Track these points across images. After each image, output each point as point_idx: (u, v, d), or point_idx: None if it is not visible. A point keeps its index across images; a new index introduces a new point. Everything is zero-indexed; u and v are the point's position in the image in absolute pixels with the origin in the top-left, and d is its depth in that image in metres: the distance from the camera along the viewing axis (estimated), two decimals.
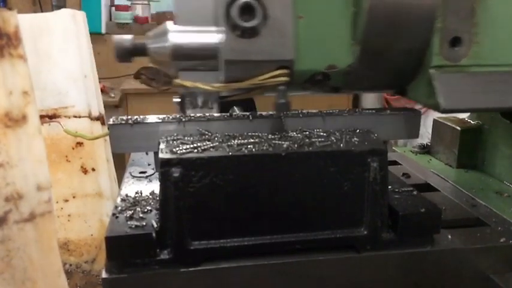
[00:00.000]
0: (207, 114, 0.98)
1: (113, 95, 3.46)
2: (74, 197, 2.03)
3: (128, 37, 0.85)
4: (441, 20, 0.84)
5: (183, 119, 0.95)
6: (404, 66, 0.90)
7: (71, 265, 2.06)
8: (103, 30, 3.99)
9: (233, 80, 0.83)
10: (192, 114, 0.92)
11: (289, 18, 0.80)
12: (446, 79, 0.86)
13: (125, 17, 4.09)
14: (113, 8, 4.22)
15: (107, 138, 0.97)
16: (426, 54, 0.87)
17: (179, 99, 0.90)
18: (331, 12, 0.83)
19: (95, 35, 3.58)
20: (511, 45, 0.88)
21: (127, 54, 0.85)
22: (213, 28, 0.81)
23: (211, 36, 0.81)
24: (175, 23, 0.83)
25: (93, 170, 2.03)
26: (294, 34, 0.80)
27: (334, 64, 0.85)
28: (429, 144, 1.45)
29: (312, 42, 0.83)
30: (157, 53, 0.83)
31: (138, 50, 0.85)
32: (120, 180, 2.09)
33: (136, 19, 4.11)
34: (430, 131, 1.45)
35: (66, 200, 2.02)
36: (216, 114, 0.98)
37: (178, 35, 0.81)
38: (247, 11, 0.77)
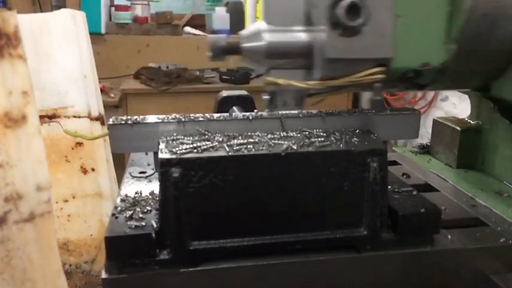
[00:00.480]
0: (207, 115, 0.98)
1: (112, 95, 3.46)
2: (73, 197, 2.03)
3: (222, 36, 0.88)
4: None
5: (183, 119, 0.95)
6: (496, 64, 0.92)
7: (70, 265, 2.06)
8: (103, 31, 3.99)
9: (329, 77, 0.86)
10: (280, 111, 0.95)
11: (389, 18, 0.82)
12: None
13: (125, 17, 4.09)
14: (113, 8, 4.22)
15: (107, 138, 0.98)
16: None
17: (269, 97, 0.92)
18: (428, 12, 0.85)
19: (95, 35, 3.58)
20: None
21: (222, 52, 0.89)
22: (305, 27, 0.84)
23: (303, 35, 0.84)
24: (267, 23, 0.85)
25: (93, 170, 2.03)
26: (392, 33, 0.83)
27: (428, 62, 0.87)
28: (429, 144, 1.45)
29: (409, 41, 0.85)
30: (252, 52, 0.86)
31: (233, 49, 0.88)
32: (119, 180, 2.09)
33: (135, 19, 4.11)
34: (430, 131, 1.45)
35: (66, 200, 2.02)
36: (215, 115, 0.98)
37: (273, 34, 0.84)
38: (352, 10, 0.79)
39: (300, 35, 0.84)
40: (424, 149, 1.44)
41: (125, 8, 4.14)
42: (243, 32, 0.88)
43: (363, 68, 0.84)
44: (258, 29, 0.85)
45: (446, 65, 0.88)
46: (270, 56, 0.84)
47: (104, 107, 2.19)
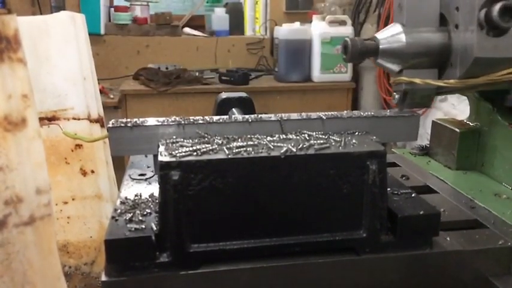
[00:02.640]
0: (207, 117, 0.98)
1: (112, 96, 3.46)
2: (73, 199, 2.02)
3: (359, 39, 0.93)
4: None
5: (182, 122, 0.95)
6: None
7: (70, 267, 2.06)
8: (102, 31, 3.99)
9: (469, 76, 0.89)
10: (406, 109, 1.01)
11: None
12: None
13: (124, 18, 4.08)
14: (112, 9, 4.22)
15: (106, 140, 0.98)
16: None
17: (400, 96, 0.96)
18: None
19: (94, 36, 3.58)
20: None
21: (359, 54, 0.93)
22: (439, 28, 0.90)
23: (439, 35, 0.89)
24: (403, 25, 0.90)
25: (93, 172, 2.03)
26: None
27: None
28: (428, 146, 1.45)
29: None
30: (389, 53, 0.91)
31: (370, 51, 0.93)
32: (119, 182, 2.08)
33: (135, 20, 4.11)
34: (429, 131, 1.45)
35: (66, 202, 2.02)
36: (215, 117, 0.99)
37: (410, 35, 0.89)
38: (505, 12, 0.82)
39: (435, 36, 0.90)
40: (423, 151, 1.44)
41: (124, 9, 4.14)
42: (379, 34, 0.94)
43: (504, 67, 0.88)
44: (396, 31, 0.91)
45: None
46: (407, 56, 0.90)
47: (103, 107, 2.19)
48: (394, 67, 0.94)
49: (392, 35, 0.92)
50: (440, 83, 0.91)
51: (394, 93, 0.98)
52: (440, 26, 0.91)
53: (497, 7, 0.82)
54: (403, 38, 0.90)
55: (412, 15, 0.91)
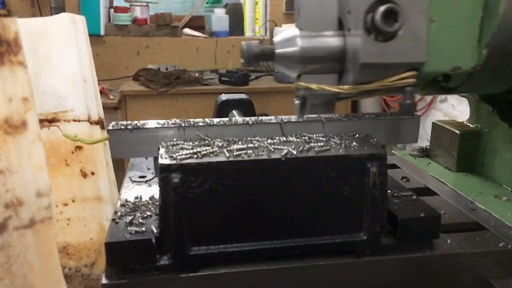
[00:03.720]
0: (207, 120, 0.98)
1: (111, 97, 3.46)
2: (73, 201, 2.02)
3: (255, 43, 0.89)
4: None
5: (183, 124, 0.95)
6: None
7: (70, 269, 2.05)
8: (102, 32, 3.99)
9: (362, 81, 0.87)
10: (307, 115, 0.97)
11: (424, 23, 0.83)
12: None
13: (124, 18, 4.09)
14: (112, 10, 4.22)
15: (107, 141, 0.97)
16: None
17: (299, 101, 0.93)
18: (461, 17, 0.86)
19: (94, 37, 3.58)
20: None
21: (255, 58, 0.89)
22: (337, 32, 0.86)
23: (336, 40, 0.85)
24: (300, 29, 0.87)
25: (93, 173, 2.03)
26: (426, 38, 0.84)
27: (459, 66, 0.88)
28: (428, 147, 1.45)
29: (441, 45, 0.86)
30: (285, 57, 0.87)
31: (266, 55, 0.89)
32: (119, 183, 2.08)
33: (135, 21, 4.11)
34: (429, 132, 1.45)
35: (66, 204, 2.02)
36: (215, 120, 0.98)
37: (306, 39, 0.85)
38: (389, 15, 0.79)
39: (332, 40, 0.86)
40: (424, 152, 1.44)
41: (124, 10, 4.14)
42: (276, 38, 0.90)
43: (395, 73, 0.86)
44: (291, 34, 0.87)
45: (476, 69, 0.89)
46: (303, 61, 0.86)
47: (103, 108, 2.19)
48: (291, 72, 0.90)
49: (287, 39, 0.87)
50: (335, 89, 0.86)
51: (295, 99, 0.94)
52: (339, 30, 0.87)
53: (380, 11, 0.78)
54: (298, 42, 0.85)
55: (309, 19, 0.86)
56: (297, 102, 0.93)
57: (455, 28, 0.86)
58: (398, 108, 0.89)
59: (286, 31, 0.89)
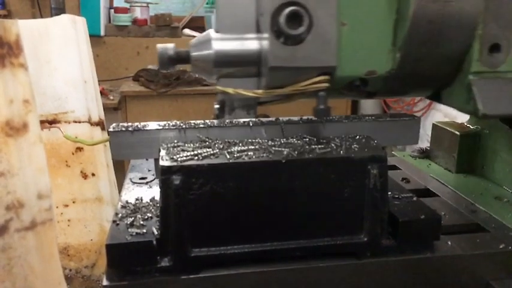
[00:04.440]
0: (208, 121, 0.98)
1: (111, 98, 3.46)
2: (73, 202, 2.03)
3: (170, 45, 0.87)
4: (482, 27, 0.85)
5: (183, 126, 0.95)
6: (443, 72, 0.91)
7: (70, 270, 2.06)
8: (102, 33, 3.99)
9: (275, 86, 0.85)
10: (230, 120, 0.96)
11: (334, 26, 0.81)
12: (485, 85, 0.87)
13: (124, 19, 4.09)
14: (112, 11, 4.22)
15: (107, 143, 0.97)
16: (465, 60, 0.88)
17: (218, 106, 0.92)
18: (374, 20, 0.85)
19: (94, 38, 3.58)
20: None
21: (170, 62, 0.86)
22: (255, 35, 0.83)
23: (252, 43, 0.83)
24: (217, 31, 0.85)
25: (93, 175, 2.03)
26: (337, 41, 0.82)
27: (374, 70, 0.87)
28: (428, 148, 1.45)
29: (354, 49, 0.85)
30: (200, 60, 0.85)
31: (182, 58, 0.86)
32: (119, 184, 2.07)
33: (135, 21, 4.11)
34: (429, 133, 1.45)
35: (66, 205, 2.02)
36: (216, 121, 0.98)
37: (221, 42, 0.83)
38: (294, 18, 0.78)
39: (249, 43, 0.83)
40: (424, 154, 1.44)
41: (124, 10, 4.14)
42: (192, 41, 0.87)
43: (307, 77, 0.83)
44: (208, 37, 0.84)
45: (392, 73, 0.87)
46: (218, 64, 0.83)
47: (103, 109, 2.19)
48: (208, 76, 0.88)
49: (203, 42, 0.85)
50: (250, 94, 0.84)
51: (214, 103, 0.93)
52: (258, 33, 0.84)
53: (284, 14, 0.77)
54: (213, 45, 0.82)
55: (227, 21, 0.84)
56: (216, 106, 0.92)
57: (368, 31, 0.85)
58: (312, 113, 0.88)
59: (204, 33, 0.86)
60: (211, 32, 0.85)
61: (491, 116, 0.87)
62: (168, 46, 0.86)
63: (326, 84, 0.84)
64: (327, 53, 0.82)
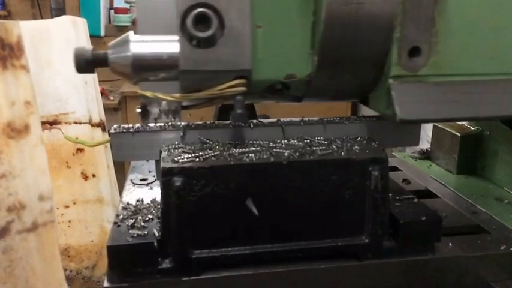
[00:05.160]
0: (207, 122, 0.98)
1: (112, 98, 3.46)
2: (74, 203, 2.03)
3: (88, 48, 0.84)
4: (399, 30, 0.82)
5: (184, 128, 0.95)
6: (365, 76, 0.88)
7: (71, 271, 2.06)
8: (102, 33, 3.99)
9: (192, 90, 0.83)
10: (155, 124, 0.92)
11: (247, 28, 0.79)
12: (405, 89, 0.84)
13: (124, 19, 4.09)
14: (112, 11, 4.22)
15: (108, 144, 0.97)
16: (386, 63, 0.85)
17: (141, 110, 0.90)
18: (290, 22, 0.82)
19: (94, 38, 3.58)
20: (470, 54, 0.86)
21: (88, 65, 0.83)
22: (175, 37, 0.80)
23: (171, 45, 0.80)
24: (136, 33, 0.82)
25: (94, 176, 2.03)
26: (252, 44, 0.80)
27: (293, 74, 0.84)
28: (429, 149, 1.45)
29: (271, 52, 0.82)
30: (118, 64, 0.82)
31: (100, 61, 0.83)
32: (119, 185, 2.07)
33: (135, 22, 4.12)
34: (429, 133, 1.45)
35: (67, 206, 2.02)
36: (217, 122, 0.98)
37: (139, 44, 0.80)
38: (202, 20, 0.76)
39: (168, 46, 0.80)
40: (424, 155, 1.45)
41: (124, 11, 4.15)
42: (111, 42, 0.84)
43: (223, 80, 0.81)
44: (126, 39, 0.82)
45: (312, 76, 0.85)
46: (136, 68, 0.81)
47: (103, 109, 2.19)
48: (127, 79, 0.85)
49: (121, 44, 0.82)
50: (168, 97, 0.82)
51: (137, 107, 0.90)
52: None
53: (191, 15, 0.75)
54: (130, 48, 0.80)
55: (146, 23, 0.82)
56: (138, 110, 0.89)
57: (285, 34, 0.82)
58: (230, 118, 0.86)
59: (123, 35, 0.84)
60: (130, 34, 0.82)
61: (410, 122, 0.84)
62: (85, 48, 0.84)
63: (243, 88, 0.82)
64: (241, 56, 0.79)
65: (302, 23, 0.82)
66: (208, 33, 0.76)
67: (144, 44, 0.81)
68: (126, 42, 0.81)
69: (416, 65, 0.85)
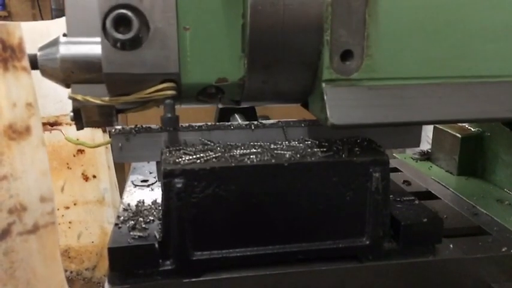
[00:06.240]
0: (209, 123, 0.98)
1: None
2: (75, 204, 2.03)
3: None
4: (330, 33, 0.79)
5: (185, 129, 0.95)
6: (301, 79, 0.86)
7: (71, 272, 2.06)
8: None
9: (118, 93, 0.81)
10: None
11: (174, 30, 0.77)
12: (337, 93, 0.82)
13: None
14: None
15: (108, 145, 0.97)
16: (319, 67, 0.83)
17: (72, 114, 0.88)
18: (220, 24, 0.80)
19: None
20: (404, 58, 0.83)
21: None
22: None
23: (98, 47, 0.78)
24: (66, 34, 0.81)
25: (94, 177, 2.03)
26: (179, 46, 0.78)
27: (225, 77, 0.82)
28: (429, 151, 1.45)
29: (200, 55, 0.80)
30: (47, 66, 0.80)
31: (30, 63, 0.82)
32: (120, 186, 2.07)
33: None
34: (429, 134, 1.45)
35: (67, 207, 2.02)
36: (218, 124, 0.99)
37: (68, 46, 0.79)
38: (123, 22, 0.74)
39: (98, 48, 0.77)
40: (425, 156, 1.45)
41: None
42: (41, 45, 0.83)
43: (151, 84, 0.80)
44: (55, 40, 0.80)
45: (245, 80, 0.83)
46: (64, 70, 0.79)
47: None
48: (57, 82, 0.83)
49: (50, 46, 0.80)
50: (97, 101, 0.80)
51: (70, 112, 0.89)
52: None
53: (110, 17, 0.73)
54: (59, 49, 0.78)
55: (76, 25, 0.80)
56: (71, 114, 0.88)
57: (214, 36, 0.80)
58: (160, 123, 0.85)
59: (52, 39, 0.82)
60: (60, 36, 0.81)
61: (341, 126, 0.81)
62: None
63: (172, 92, 0.81)
64: (167, 59, 0.78)
65: (231, 25, 0.80)
66: (129, 35, 0.74)
67: (73, 46, 0.79)
68: (55, 43, 0.80)
69: (348, 68, 0.82)
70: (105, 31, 0.75)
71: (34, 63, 0.82)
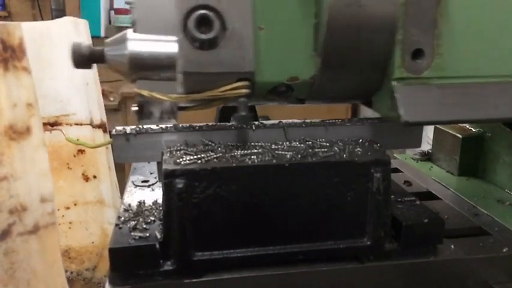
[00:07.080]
0: (210, 124, 0.98)
1: (112, 99, 3.46)
2: (75, 205, 2.03)
3: (85, 44, 0.83)
4: (402, 32, 0.82)
5: (186, 129, 0.95)
6: (368, 78, 0.88)
7: (72, 273, 2.06)
8: (102, 34, 3.99)
9: (192, 91, 0.82)
10: (149, 126, 0.93)
11: (249, 30, 0.78)
12: (408, 91, 0.85)
13: (125, 20, 4.09)
14: (112, 12, 4.22)
15: (109, 145, 0.97)
16: (389, 66, 0.85)
17: (137, 108, 0.89)
18: (293, 24, 0.81)
19: (95, 39, 3.57)
20: (473, 57, 0.86)
21: (84, 60, 0.83)
22: (173, 38, 0.80)
23: (170, 45, 0.79)
24: (135, 31, 0.82)
25: (95, 177, 2.03)
26: (254, 46, 0.79)
27: (296, 76, 0.84)
28: (430, 151, 1.45)
29: (273, 54, 0.82)
30: (115, 61, 0.82)
31: (96, 57, 0.83)
32: (121, 186, 2.07)
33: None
34: (429, 135, 1.45)
35: (68, 208, 2.02)
36: (219, 124, 0.98)
37: (137, 43, 0.80)
38: (204, 22, 0.75)
39: (167, 46, 0.79)
40: (426, 156, 1.45)
41: (125, 12, 4.14)
42: (108, 39, 0.84)
43: (225, 82, 0.81)
44: (124, 37, 0.81)
45: (316, 79, 0.85)
46: (133, 66, 0.80)
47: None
48: (124, 77, 0.85)
49: (119, 41, 0.82)
50: (164, 97, 0.81)
51: (133, 105, 0.90)
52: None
53: (192, 17, 0.74)
54: (128, 46, 0.80)
55: (145, 22, 0.81)
56: (133, 109, 0.89)
57: (287, 36, 0.82)
58: (233, 120, 0.86)
59: (121, 33, 0.83)
60: (128, 32, 0.82)
61: (414, 124, 0.84)
62: (83, 44, 0.83)
63: (246, 90, 0.81)
64: (243, 58, 0.79)
65: (304, 25, 0.82)
66: (211, 35, 0.76)
67: (142, 43, 0.81)
68: (124, 40, 0.81)
69: (419, 67, 0.85)
70: (185, 31, 0.76)
71: (101, 57, 0.83)
